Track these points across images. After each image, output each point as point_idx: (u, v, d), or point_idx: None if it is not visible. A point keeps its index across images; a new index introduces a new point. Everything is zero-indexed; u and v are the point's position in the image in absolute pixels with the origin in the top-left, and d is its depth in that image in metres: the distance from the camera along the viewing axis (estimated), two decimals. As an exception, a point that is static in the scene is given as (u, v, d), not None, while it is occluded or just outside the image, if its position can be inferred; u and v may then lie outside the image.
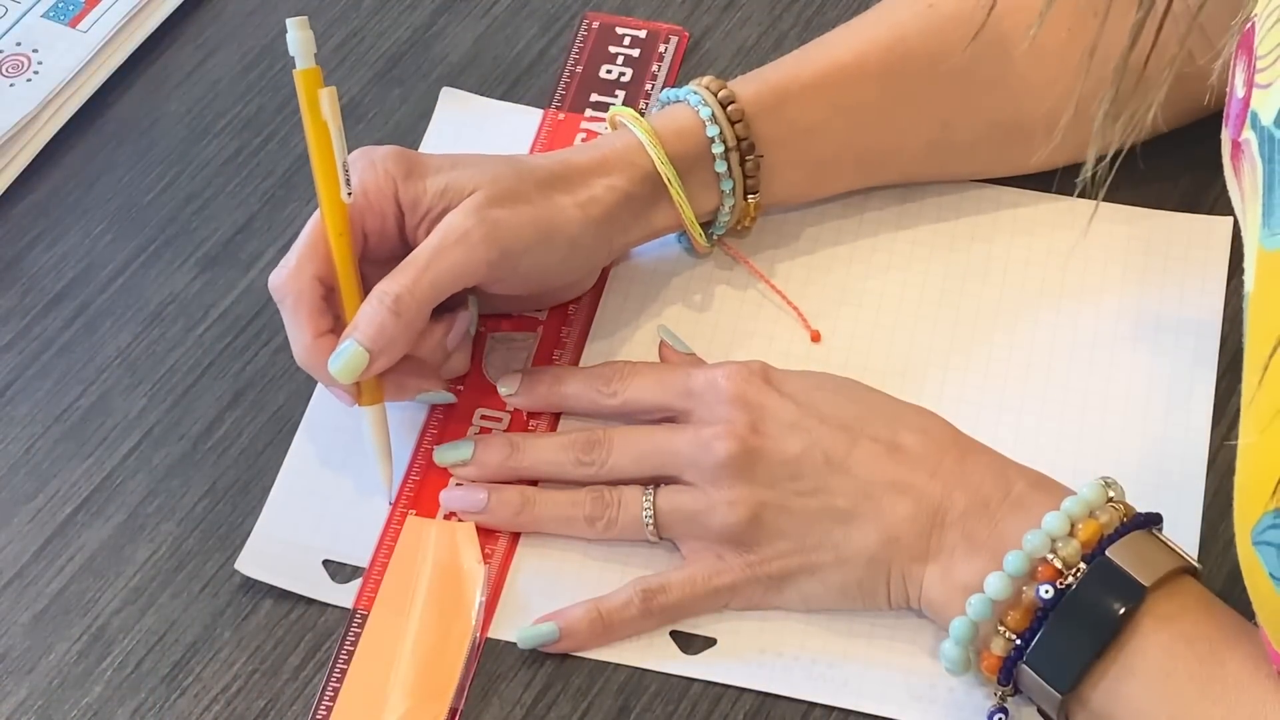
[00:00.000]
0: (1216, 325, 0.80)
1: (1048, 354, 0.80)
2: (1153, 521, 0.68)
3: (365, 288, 0.74)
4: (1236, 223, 0.83)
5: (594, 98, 0.90)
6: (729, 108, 0.78)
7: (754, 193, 0.80)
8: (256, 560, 0.75)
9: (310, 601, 0.74)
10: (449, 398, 0.78)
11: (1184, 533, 0.73)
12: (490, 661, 0.72)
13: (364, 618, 0.73)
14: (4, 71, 0.91)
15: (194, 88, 0.93)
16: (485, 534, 0.75)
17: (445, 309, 0.76)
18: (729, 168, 0.79)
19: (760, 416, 0.72)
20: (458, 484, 0.76)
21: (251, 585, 0.75)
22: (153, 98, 0.92)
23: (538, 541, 0.75)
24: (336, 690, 0.71)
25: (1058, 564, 0.66)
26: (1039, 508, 0.68)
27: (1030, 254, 0.83)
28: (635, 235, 0.80)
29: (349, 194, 0.73)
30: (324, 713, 0.71)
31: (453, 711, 0.71)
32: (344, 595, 0.74)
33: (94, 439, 0.80)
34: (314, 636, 0.74)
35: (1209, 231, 0.83)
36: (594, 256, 0.79)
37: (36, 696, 0.73)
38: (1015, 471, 0.71)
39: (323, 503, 0.77)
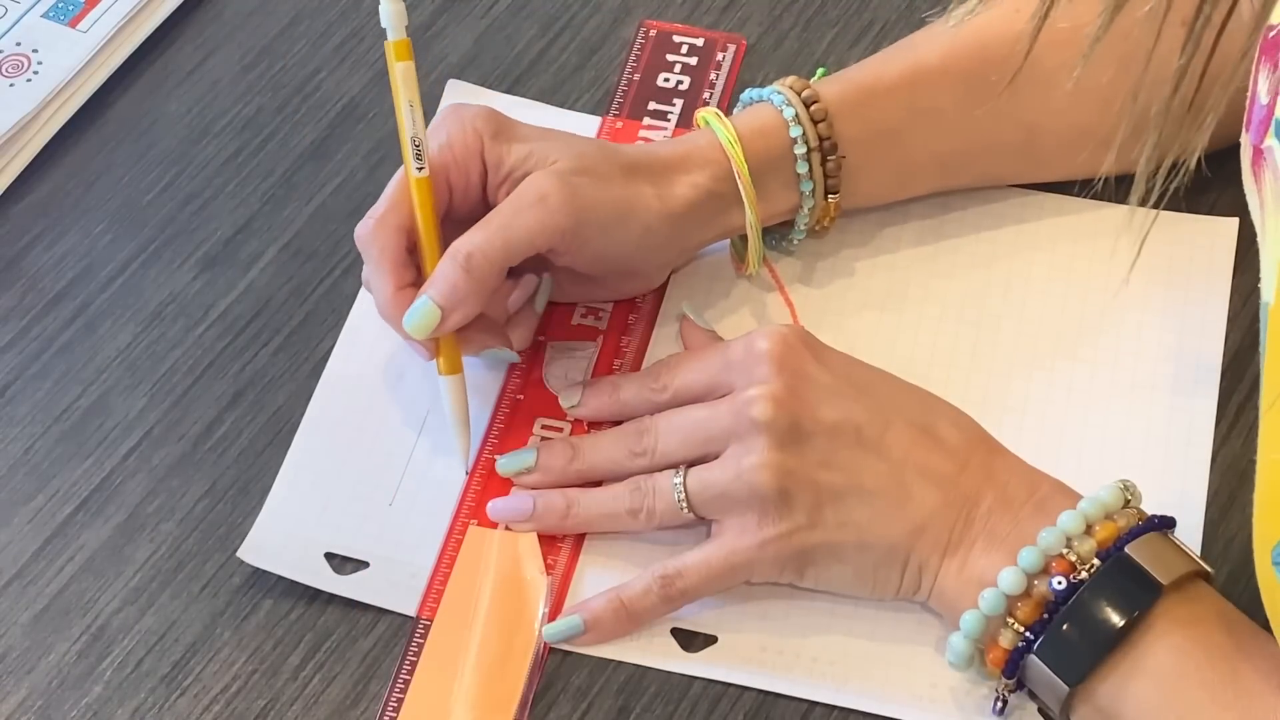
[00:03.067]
0: (1220, 326, 0.80)
1: (1050, 354, 0.80)
2: (1167, 525, 0.68)
3: (446, 245, 0.75)
4: (1242, 223, 0.83)
5: (652, 105, 0.90)
6: (812, 107, 0.78)
7: (834, 193, 0.80)
8: (258, 550, 0.75)
9: (310, 602, 0.74)
10: (513, 356, 0.78)
11: (1186, 533, 0.73)
12: (490, 661, 0.72)
13: (427, 627, 0.73)
14: (4, 71, 0.91)
15: (194, 88, 0.93)
16: (548, 545, 0.75)
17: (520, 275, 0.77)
18: (810, 168, 0.79)
19: (798, 380, 0.71)
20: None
21: (251, 585, 0.75)
22: (153, 98, 0.92)
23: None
24: (400, 700, 0.71)
25: (1072, 558, 0.66)
26: (1059, 509, 0.68)
27: (1034, 254, 0.83)
28: (711, 233, 0.80)
29: (419, 169, 0.74)
30: None
31: None
32: (344, 585, 0.74)
33: (94, 439, 0.80)
34: (314, 636, 0.74)
35: (1215, 232, 0.83)
36: (667, 250, 0.80)
37: (36, 696, 0.73)
38: (1041, 477, 0.71)
39: (325, 497, 0.77)
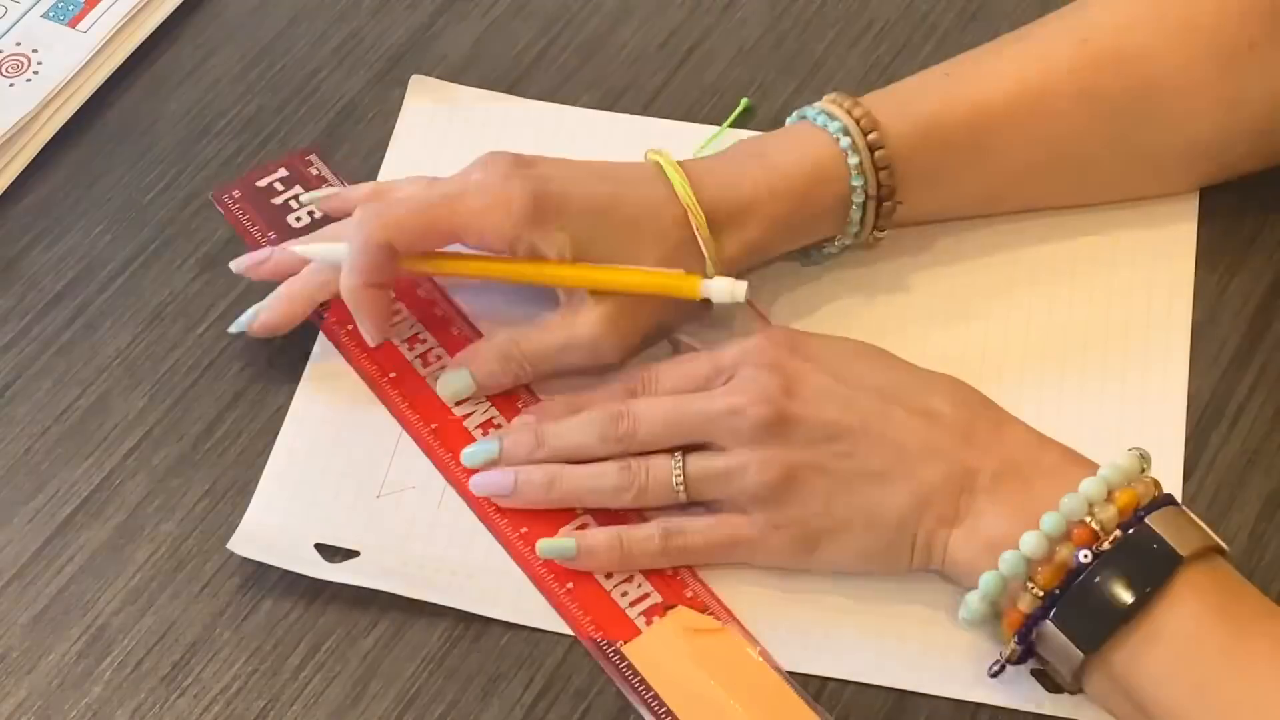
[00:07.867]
0: (1186, 319, 0.80)
1: (1041, 355, 0.80)
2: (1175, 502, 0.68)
3: None
4: (1238, 219, 0.83)
5: None
6: (877, 153, 0.77)
7: (881, 230, 0.80)
8: (249, 541, 0.75)
9: (310, 602, 0.74)
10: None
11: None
12: (490, 661, 0.72)
13: (618, 650, 0.72)
14: (4, 71, 0.91)
15: (194, 88, 0.93)
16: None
17: None
18: (864, 215, 0.78)
19: (793, 381, 0.72)
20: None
21: (251, 585, 0.75)
22: (153, 98, 0.92)
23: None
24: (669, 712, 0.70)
25: (1095, 526, 0.66)
26: (1074, 475, 0.68)
27: (1026, 253, 0.83)
28: (748, 268, 0.79)
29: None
30: None
31: None
32: (337, 573, 0.74)
33: (94, 439, 0.80)
34: (314, 636, 0.74)
35: (1174, 210, 0.83)
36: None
37: (36, 696, 0.73)
38: (1049, 443, 0.71)
39: (313, 489, 0.77)
